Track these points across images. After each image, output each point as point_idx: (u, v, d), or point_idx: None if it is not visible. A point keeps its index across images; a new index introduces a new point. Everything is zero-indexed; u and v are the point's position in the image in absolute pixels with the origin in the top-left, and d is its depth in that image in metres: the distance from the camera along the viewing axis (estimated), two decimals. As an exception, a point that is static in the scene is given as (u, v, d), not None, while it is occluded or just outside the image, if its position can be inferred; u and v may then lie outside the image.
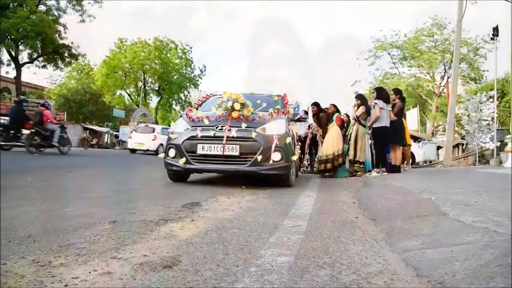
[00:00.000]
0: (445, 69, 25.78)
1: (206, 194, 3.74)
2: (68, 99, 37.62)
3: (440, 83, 26.78)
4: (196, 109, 5.52)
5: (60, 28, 26.98)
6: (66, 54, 27.62)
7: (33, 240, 1.83)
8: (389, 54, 27.05)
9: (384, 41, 26.42)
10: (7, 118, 11.93)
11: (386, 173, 6.59)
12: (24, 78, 30.58)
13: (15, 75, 26.87)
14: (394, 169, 6.81)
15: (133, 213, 2.60)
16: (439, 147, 17.04)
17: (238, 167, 4.43)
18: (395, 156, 6.97)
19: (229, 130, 4.42)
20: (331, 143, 7.32)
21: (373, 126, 6.77)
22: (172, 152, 4.63)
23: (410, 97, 27.19)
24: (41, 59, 27.34)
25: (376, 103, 6.65)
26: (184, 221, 2.43)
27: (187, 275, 1.41)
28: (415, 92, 27.54)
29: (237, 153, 4.36)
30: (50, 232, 2.00)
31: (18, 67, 26.39)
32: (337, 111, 8.00)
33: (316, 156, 8.29)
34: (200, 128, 4.55)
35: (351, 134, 7.69)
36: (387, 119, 6.60)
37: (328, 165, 7.27)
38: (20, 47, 25.72)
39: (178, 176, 5.02)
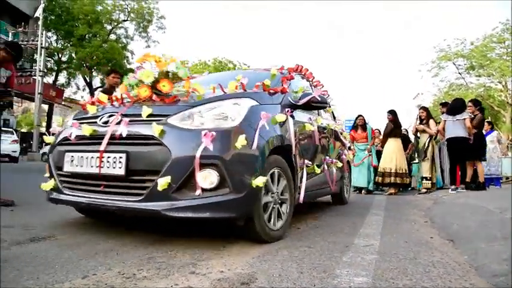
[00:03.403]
0: (519, 76, 23.81)
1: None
2: (134, 120, 40.20)
3: (514, 92, 24.77)
4: None
5: (128, 54, 29.33)
6: (133, 78, 29.76)
7: (116, 253, 1.95)
8: (454, 64, 25.56)
9: (448, 50, 25.07)
10: None
11: (462, 190, 6.08)
12: (97, 101, 33.35)
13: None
14: (468, 186, 6.28)
15: (203, 230, 2.67)
16: (516, 162, 15.61)
17: (122, 200, 2.11)
18: (471, 172, 6.41)
19: (118, 123, 2.20)
20: (392, 156, 7.03)
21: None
22: (48, 169, 2.66)
23: (480, 108, 25.35)
24: (111, 83, 29.73)
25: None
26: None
27: (265, 293, 1.42)
28: (485, 103, 25.62)
29: (122, 172, 2.06)
30: (129, 246, 2.12)
31: (92, 92, 28.87)
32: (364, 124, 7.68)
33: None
34: (79, 121, 2.48)
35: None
36: (452, 131, 6.19)
37: (386, 180, 6.96)
38: (93, 73, 28.25)
39: (85, 210, 2.95)
